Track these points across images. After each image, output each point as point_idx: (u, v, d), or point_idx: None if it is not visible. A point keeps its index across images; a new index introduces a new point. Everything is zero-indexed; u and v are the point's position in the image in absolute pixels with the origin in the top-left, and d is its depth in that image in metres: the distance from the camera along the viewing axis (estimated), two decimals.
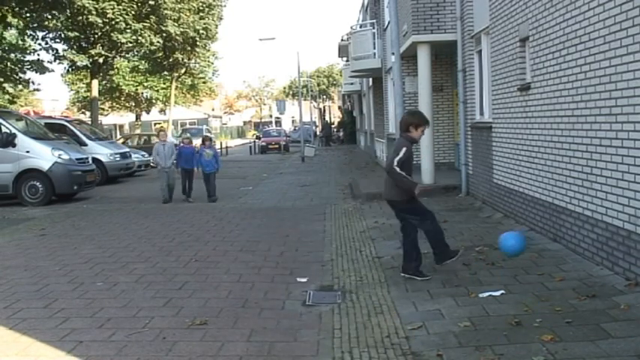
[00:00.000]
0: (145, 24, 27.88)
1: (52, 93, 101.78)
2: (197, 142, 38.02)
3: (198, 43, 34.84)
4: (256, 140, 42.23)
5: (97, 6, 25.20)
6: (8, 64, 25.46)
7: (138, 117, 49.76)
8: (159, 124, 52.43)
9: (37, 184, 13.07)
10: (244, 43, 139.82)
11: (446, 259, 5.80)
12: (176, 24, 30.56)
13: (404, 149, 5.45)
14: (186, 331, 4.57)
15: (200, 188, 13.14)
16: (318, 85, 76.14)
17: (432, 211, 5.92)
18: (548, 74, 6.72)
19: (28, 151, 13.07)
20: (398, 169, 5.42)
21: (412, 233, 5.80)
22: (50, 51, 28.24)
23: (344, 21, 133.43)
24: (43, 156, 13.15)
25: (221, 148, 38.44)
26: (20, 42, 27.73)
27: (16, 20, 22.99)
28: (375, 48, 18.05)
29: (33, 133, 13.84)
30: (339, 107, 63.38)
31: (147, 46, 29.64)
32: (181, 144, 13.60)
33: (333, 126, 53.43)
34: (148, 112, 49.19)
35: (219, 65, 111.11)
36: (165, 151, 12.90)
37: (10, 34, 27.06)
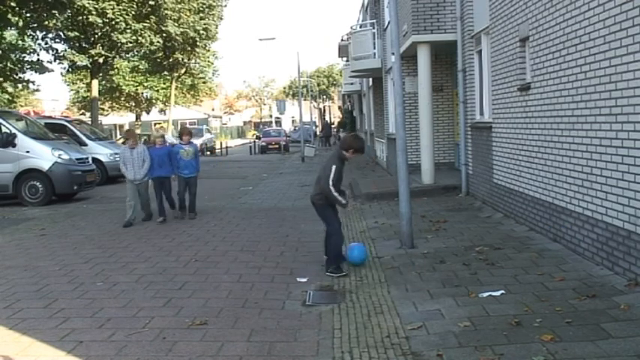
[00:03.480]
0: (145, 24, 27.90)
1: (52, 93, 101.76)
2: (197, 142, 37.99)
3: (198, 43, 34.88)
4: (256, 140, 42.24)
5: (97, 6, 25.21)
6: (8, 64, 25.46)
7: (138, 117, 49.77)
8: (159, 124, 52.46)
9: (37, 184, 13.07)
10: (244, 43, 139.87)
11: (330, 269, 6.11)
12: (176, 24, 30.60)
13: (333, 168, 6.04)
14: (186, 331, 4.57)
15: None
16: (318, 85, 76.14)
17: (339, 226, 6.34)
18: (548, 74, 6.72)
19: (28, 151, 13.07)
20: (333, 190, 6.04)
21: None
22: (50, 51, 28.28)
23: (344, 21, 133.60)
24: (43, 156, 13.15)
25: (221, 147, 38.54)
26: (20, 42, 27.74)
27: (15, 19, 22.96)
28: (375, 48, 18.04)
29: (33, 133, 13.83)
30: (339, 107, 63.39)
31: (147, 46, 29.67)
32: (154, 145, 10.17)
33: (333, 126, 53.42)
34: (148, 112, 49.21)
35: (219, 65, 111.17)
36: (135, 157, 9.62)
37: (10, 34, 27.07)
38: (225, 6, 37.13)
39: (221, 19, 36.49)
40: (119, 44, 27.80)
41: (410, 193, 7.19)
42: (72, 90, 46.98)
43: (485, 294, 4.99)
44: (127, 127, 55.84)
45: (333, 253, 6.18)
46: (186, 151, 9.98)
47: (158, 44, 30.15)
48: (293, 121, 74.76)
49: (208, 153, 37.45)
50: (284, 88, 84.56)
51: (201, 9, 33.35)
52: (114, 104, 46.79)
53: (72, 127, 18.22)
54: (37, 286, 6.04)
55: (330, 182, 6.02)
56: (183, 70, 38.62)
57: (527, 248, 6.57)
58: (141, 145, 9.98)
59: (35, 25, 24.84)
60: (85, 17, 25.78)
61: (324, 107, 72.49)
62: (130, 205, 9.69)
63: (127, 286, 5.93)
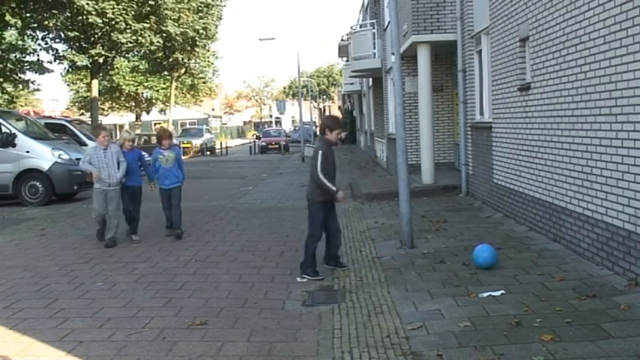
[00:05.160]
0: (145, 24, 27.89)
1: (52, 93, 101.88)
2: (197, 142, 37.90)
3: (198, 43, 34.89)
4: (256, 140, 42.27)
5: (96, 6, 25.21)
6: (8, 64, 25.45)
7: (138, 117, 49.79)
8: (159, 124, 52.51)
9: (37, 184, 13.06)
10: (244, 43, 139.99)
11: (304, 271, 6.03)
12: (176, 24, 30.58)
13: (320, 153, 5.89)
14: (186, 331, 4.57)
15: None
16: (318, 85, 76.13)
17: (320, 233, 6.17)
18: (548, 74, 6.72)
19: (28, 151, 13.07)
20: (322, 177, 5.87)
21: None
22: (50, 51, 28.27)
23: (344, 21, 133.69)
24: (43, 156, 13.14)
25: (221, 147, 38.53)
26: (20, 42, 27.74)
27: (14, 21, 22.97)
28: (375, 48, 18.04)
29: (33, 133, 13.83)
30: (339, 107, 63.41)
31: (147, 46, 29.66)
32: (121, 148, 8.34)
33: None
34: (148, 112, 49.22)
35: (219, 65, 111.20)
36: (109, 158, 7.93)
37: (10, 34, 27.07)
38: (225, 6, 37.15)
39: (220, 19, 36.50)
40: (119, 44, 27.78)
41: (410, 193, 7.19)
42: (72, 90, 46.96)
43: (485, 294, 4.99)
44: (126, 127, 55.92)
45: (309, 255, 6.04)
46: (165, 157, 8.37)
47: (158, 44, 30.14)
48: (293, 121, 74.77)
49: (208, 153, 37.51)
50: (284, 88, 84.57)
51: (200, 9, 33.34)
52: (114, 104, 46.77)
53: (72, 127, 18.20)
54: (37, 286, 6.04)
55: (319, 170, 5.86)
56: (183, 70, 38.63)
57: (527, 248, 6.57)
58: (114, 145, 8.25)
59: (35, 25, 24.83)
60: (85, 17, 25.76)
61: (324, 107, 72.50)
62: (97, 220, 8.12)
63: (127, 286, 5.92)
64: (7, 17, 22.55)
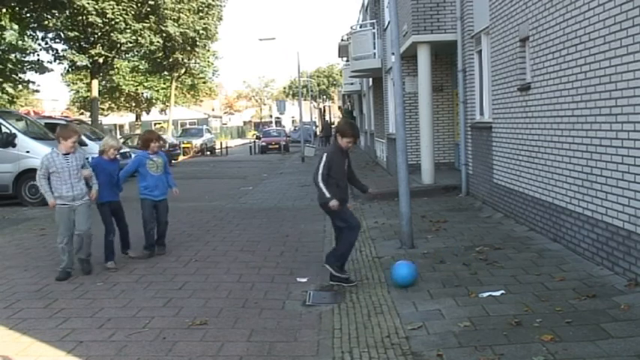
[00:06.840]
0: (144, 24, 27.88)
1: (52, 93, 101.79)
2: (197, 142, 37.81)
3: (198, 43, 34.88)
4: (256, 140, 42.26)
5: (96, 6, 25.20)
6: (8, 64, 25.45)
7: (138, 117, 49.78)
8: (159, 124, 52.58)
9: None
10: (244, 43, 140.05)
11: (335, 269, 5.68)
12: (176, 24, 30.58)
13: (324, 156, 5.61)
14: (186, 331, 4.58)
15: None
16: (318, 85, 76.18)
17: (358, 222, 5.87)
18: (548, 74, 6.72)
19: (28, 151, 13.06)
20: (320, 182, 5.52)
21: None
22: (50, 51, 28.27)
23: (344, 21, 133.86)
24: None
25: (221, 148, 38.53)
26: (20, 42, 27.74)
27: (12, 24, 23.01)
28: (375, 48, 18.04)
29: (33, 133, 13.83)
30: (339, 107, 63.39)
31: (147, 46, 29.66)
32: (101, 155, 7.10)
33: (333, 126, 53.33)
34: (148, 112, 49.21)
35: (219, 65, 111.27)
36: (72, 166, 6.33)
37: (10, 34, 27.07)
38: (225, 6, 37.16)
39: (220, 19, 36.48)
40: (119, 44, 27.77)
41: (410, 193, 7.19)
42: (72, 90, 46.93)
43: (486, 294, 4.99)
44: (126, 127, 55.80)
45: (346, 248, 5.68)
46: (155, 164, 7.14)
47: (158, 44, 30.14)
48: (293, 121, 74.78)
49: (208, 153, 37.50)
50: (284, 88, 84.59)
51: (200, 9, 33.34)
52: (114, 104, 46.75)
53: None
54: (37, 286, 6.04)
55: (320, 175, 5.49)
56: (183, 70, 38.63)
57: (527, 248, 6.57)
58: (79, 150, 6.63)
59: (35, 25, 24.82)
60: (84, 17, 25.75)
61: (324, 107, 72.45)
62: (61, 246, 6.27)
63: (127, 286, 5.93)
64: (6, 22, 22.55)
